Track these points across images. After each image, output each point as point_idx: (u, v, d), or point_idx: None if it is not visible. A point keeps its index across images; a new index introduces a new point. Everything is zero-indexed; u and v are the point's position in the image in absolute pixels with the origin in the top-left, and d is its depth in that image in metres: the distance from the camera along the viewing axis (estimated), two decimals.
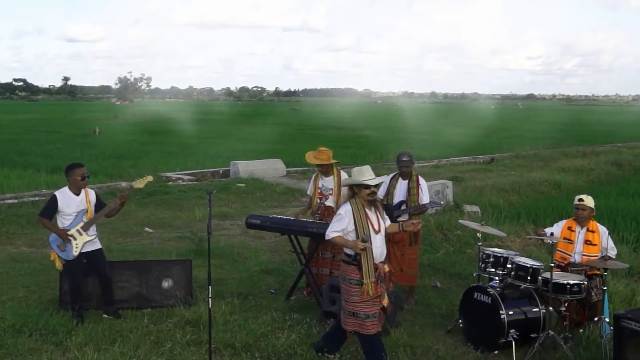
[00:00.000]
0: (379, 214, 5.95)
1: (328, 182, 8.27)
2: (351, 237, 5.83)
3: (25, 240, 11.31)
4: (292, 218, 8.25)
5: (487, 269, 7.06)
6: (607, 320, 6.77)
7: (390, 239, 8.10)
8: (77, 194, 7.19)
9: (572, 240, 7.23)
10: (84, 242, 7.16)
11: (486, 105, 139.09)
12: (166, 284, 7.82)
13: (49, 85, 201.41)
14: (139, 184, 7.41)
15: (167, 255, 9.89)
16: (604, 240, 7.20)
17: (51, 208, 7.15)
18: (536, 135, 43.20)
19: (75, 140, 34.37)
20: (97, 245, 7.36)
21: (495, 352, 6.57)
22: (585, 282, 6.80)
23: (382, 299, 5.72)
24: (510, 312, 6.56)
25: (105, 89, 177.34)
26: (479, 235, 7.57)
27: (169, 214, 13.83)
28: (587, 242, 7.19)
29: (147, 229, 12.25)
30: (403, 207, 8.01)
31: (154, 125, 49.62)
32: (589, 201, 7.22)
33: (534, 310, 6.71)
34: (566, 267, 7.24)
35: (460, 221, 8.75)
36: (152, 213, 13.80)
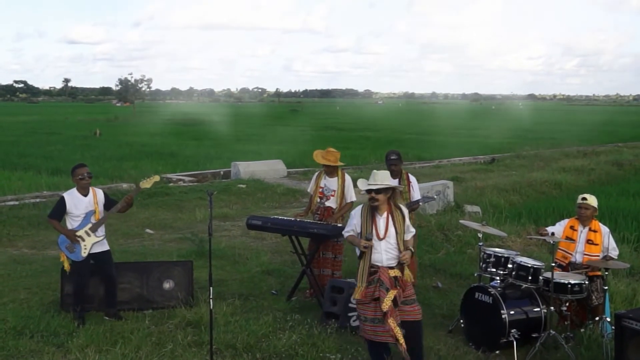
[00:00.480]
0: (392, 221, 5.79)
1: (331, 182, 8.26)
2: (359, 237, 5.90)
3: (26, 242, 11.32)
4: (293, 219, 8.25)
5: (488, 269, 7.06)
6: (609, 319, 6.76)
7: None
8: (85, 195, 7.21)
9: (574, 240, 7.22)
10: (93, 243, 7.17)
11: (488, 105, 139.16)
12: (167, 285, 7.83)
13: (50, 87, 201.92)
14: (146, 183, 7.42)
15: (168, 256, 9.89)
16: (606, 240, 7.20)
17: (60, 209, 7.17)
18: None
19: (76, 141, 34.39)
20: (106, 246, 7.36)
21: (497, 352, 6.57)
22: (586, 282, 6.80)
23: (381, 304, 5.67)
24: (512, 312, 6.56)
25: (105, 91, 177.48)
26: (479, 235, 7.57)
27: (170, 215, 13.83)
28: (589, 241, 7.18)
29: (148, 230, 12.26)
30: None
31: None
32: (592, 200, 7.22)
33: (535, 310, 6.71)
34: (567, 267, 7.24)
35: (461, 221, 8.75)
36: (153, 214, 13.80)
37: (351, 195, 8.30)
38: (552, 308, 6.66)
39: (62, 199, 7.19)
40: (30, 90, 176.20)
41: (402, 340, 5.62)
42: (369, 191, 5.78)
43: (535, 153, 28.92)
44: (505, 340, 6.48)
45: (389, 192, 5.79)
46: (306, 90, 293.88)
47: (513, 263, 6.89)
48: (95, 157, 26.13)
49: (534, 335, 6.60)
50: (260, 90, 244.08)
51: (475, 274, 7.47)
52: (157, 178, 7.49)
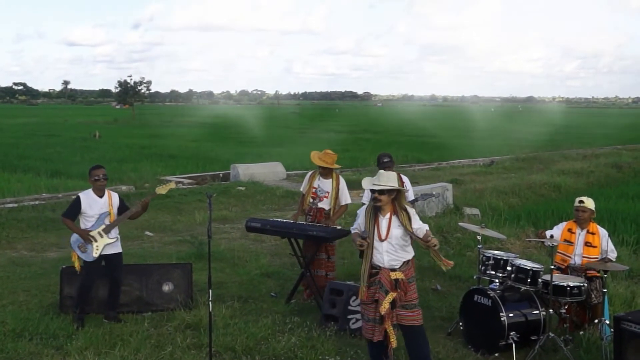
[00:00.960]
0: (396, 222, 5.73)
1: (325, 184, 8.27)
2: None
3: (25, 244, 11.32)
4: (292, 221, 8.25)
5: (487, 272, 7.07)
6: (608, 322, 6.77)
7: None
8: (101, 196, 7.22)
9: (572, 242, 7.24)
10: (105, 244, 7.18)
11: (486, 108, 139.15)
12: (166, 287, 7.83)
13: (49, 89, 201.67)
14: (162, 189, 7.42)
15: (167, 258, 9.89)
16: (604, 242, 7.21)
17: (74, 209, 7.18)
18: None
19: (75, 144, 34.37)
20: (118, 248, 7.36)
21: (496, 354, 6.57)
22: (585, 285, 6.81)
23: (379, 306, 5.67)
24: (511, 315, 6.56)
25: (105, 93, 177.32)
26: (479, 237, 7.57)
27: (169, 217, 13.83)
28: (587, 243, 7.20)
29: (147, 232, 12.26)
30: None
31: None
32: (589, 203, 7.24)
33: (534, 312, 6.72)
34: (566, 269, 7.25)
35: (460, 224, 8.76)
36: (152, 217, 13.79)
37: (346, 198, 8.32)
38: (551, 311, 6.67)
39: (78, 199, 7.20)
40: (29, 92, 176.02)
41: (392, 339, 5.69)
42: (372, 191, 5.77)
43: (535, 155, 28.93)
44: (504, 342, 6.48)
45: (393, 194, 5.74)
46: (305, 92, 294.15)
47: (512, 266, 6.89)
48: (94, 159, 26.06)
49: (533, 338, 6.60)
50: (259, 92, 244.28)
51: (475, 277, 7.47)
52: (172, 185, 7.53)
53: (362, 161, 25.21)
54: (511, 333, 6.46)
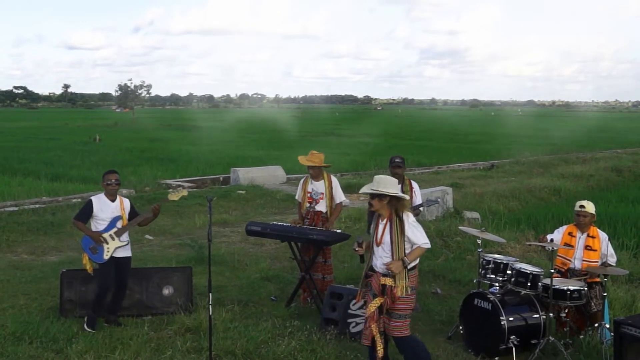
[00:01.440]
0: (389, 229, 5.64)
1: (318, 186, 8.29)
2: None
3: (25, 247, 11.31)
4: (292, 225, 8.26)
5: (487, 275, 7.07)
6: (608, 326, 6.77)
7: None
8: (113, 201, 7.25)
9: (572, 246, 7.23)
10: (116, 247, 7.20)
11: (487, 111, 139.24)
12: (166, 291, 7.83)
13: (50, 93, 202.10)
14: (174, 196, 7.45)
15: (167, 262, 9.89)
16: (604, 246, 7.21)
17: (86, 212, 7.20)
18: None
19: (76, 147, 34.39)
20: (128, 252, 7.37)
21: (496, 358, 6.57)
22: (585, 289, 6.81)
23: (366, 308, 5.69)
24: (511, 318, 6.56)
25: (105, 97, 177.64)
26: (479, 241, 7.58)
27: (169, 221, 13.83)
28: (587, 247, 7.20)
29: (147, 236, 12.26)
30: None
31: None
32: (590, 207, 7.24)
33: (534, 316, 6.71)
34: (566, 273, 7.25)
35: (460, 227, 8.76)
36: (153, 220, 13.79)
37: (340, 196, 8.33)
38: (551, 314, 6.67)
39: (90, 202, 7.22)
40: (30, 96, 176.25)
41: (379, 347, 5.61)
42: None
43: (535, 159, 28.95)
44: (504, 346, 6.48)
45: (386, 199, 5.63)
46: (306, 96, 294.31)
47: (512, 269, 6.90)
48: (94, 162, 26.15)
49: (533, 342, 6.60)
50: (260, 96, 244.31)
51: (475, 280, 7.48)
52: (184, 192, 7.57)
53: (362, 165, 25.23)
54: (511, 337, 6.46)
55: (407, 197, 5.70)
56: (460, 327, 7.06)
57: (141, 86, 79.37)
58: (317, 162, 8.22)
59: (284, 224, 8.43)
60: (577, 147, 36.94)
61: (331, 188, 8.27)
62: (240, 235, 12.15)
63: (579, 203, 7.34)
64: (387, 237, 5.63)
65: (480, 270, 7.21)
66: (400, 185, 8.11)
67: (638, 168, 27.22)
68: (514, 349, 6.42)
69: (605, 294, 6.93)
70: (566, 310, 6.88)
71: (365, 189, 5.74)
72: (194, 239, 10.99)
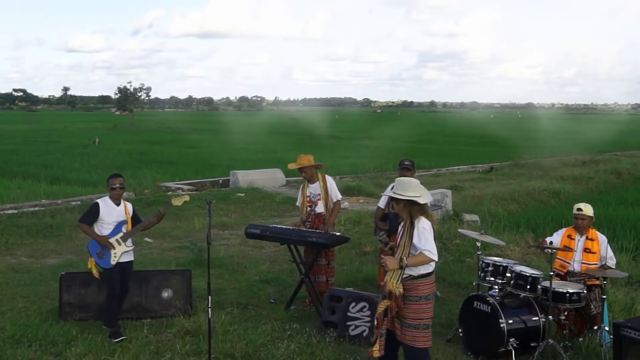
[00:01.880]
0: (403, 231, 5.52)
1: (314, 188, 8.34)
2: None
3: (24, 250, 11.31)
4: (291, 228, 8.26)
5: (487, 278, 7.07)
6: (607, 328, 6.77)
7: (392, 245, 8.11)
8: (118, 205, 7.20)
9: (571, 248, 7.24)
10: (122, 252, 7.16)
11: (486, 114, 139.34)
12: (166, 294, 7.82)
13: (49, 96, 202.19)
14: (177, 201, 7.41)
15: (166, 265, 9.89)
16: (603, 248, 7.21)
17: (92, 215, 7.14)
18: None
19: (75, 150, 34.40)
20: (131, 257, 7.33)
21: None
22: (585, 291, 6.81)
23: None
24: (510, 321, 6.56)
25: (105, 99, 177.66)
26: (478, 244, 7.58)
27: (169, 224, 13.81)
28: (586, 250, 7.20)
29: (146, 239, 12.25)
30: None
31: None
32: (587, 210, 7.24)
33: (534, 319, 6.71)
34: (565, 276, 7.25)
35: (459, 230, 8.76)
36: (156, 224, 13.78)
37: (336, 194, 8.36)
38: (550, 317, 6.67)
39: (96, 205, 7.17)
40: (29, 99, 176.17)
41: (375, 347, 5.43)
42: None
43: (534, 162, 28.96)
44: (503, 349, 6.48)
45: (401, 202, 5.48)
46: (305, 98, 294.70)
47: (511, 272, 6.90)
48: (94, 165, 26.16)
49: (532, 345, 6.60)
50: (259, 98, 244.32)
51: (474, 283, 7.47)
52: (187, 198, 7.54)
53: (361, 167, 25.23)
54: (510, 339, 6.46)
55: (422, 201, 5.41)
56: (460, 330, 7.05)
57: (141, 89, 79.53)
58: (305, 163, 8.25)
59: (284, 227, 8.44)
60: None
61: (326, 188, 8.31)
62: (239, 238, 12.15)
63: (576, 206, 7.35)
64: (399, 240, 5.57)
65: (479, 272, 7.21)
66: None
67: (637, 171, 27.22)
68: (513, 351, 6.42)
69: (604, 297, 6.93)
70: (566, 313, 6.88)
71: (386, 193, 5.71)
72: (194, 241, 10.98)
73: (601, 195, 20.29)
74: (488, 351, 6.60)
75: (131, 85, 78.53)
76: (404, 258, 5.36)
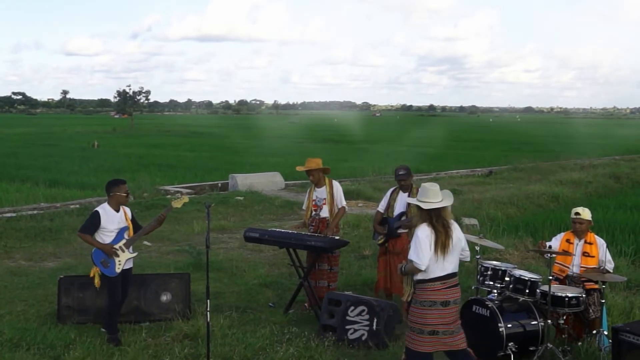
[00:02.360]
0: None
1: (320, 192, 8.33)
2: None
3: (23, 254, 11.29)
4: (290, 231, 8.26)
5: (486, 282, 7.07)
6: (606, 333, 6.76)
7: (390, 249, 8.14)
8: (117, 211, 7.07)
9: (570, 253, 7.24)
10: (127, 258, 7.08)
11: (485, 118, 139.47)
12: (164, 297, 7.81)
13: (48, 99, 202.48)
14: (177, 203, 7.37)
15: (165, 268, 9.88)
16: (602, 252, 7.21)
17: (93, 224, 6.97)
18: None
19: (74, 153, 34.39)
20: (131, 262, 7.26)
21: None
22: (584, 295, 6.80)
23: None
24: (509, 325, 6.56)
25: (104, 102, 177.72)
26: (477, 248, 7.57)
27: (168, 227, 13.80)
28: (585, 254, 7.20)
29: (145, 242, 12.24)
30: (403, 218, 8.06)
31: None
32: (585, 214, 7.24)
33: (533, 323, 6.71)
34: (564, 280, 7.25)
35: None
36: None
37: (341, 200, 8.34)
38: (549, 321, 6.67)
39: (97, 214, 6.98)
40: (28, 102, 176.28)
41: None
42: None
43: (533, 166, 28.97)
44: (502, 353, 6.47)
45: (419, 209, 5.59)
46: (304, 102, 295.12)
47: (510, 276, 6.90)
48: (93, 168, 26.15)
49: (531, 349, 6.59)
50: (258, 102, 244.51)
51: (473, 287, 7.47)
52: (186, 199, 7.51)
53: (360, 171, 25.23)
54: (509, 344, 6.45)
55: (424, 207, 5.50)
56: None
57: (140, 92, 79.59)
58: (313, 166, 8.25)
59: (283, 230, 8.44)
60: None
61: (332, 193, 8.29)
62: (238, 242, 12.14)
63: (574, 210, 7.35)
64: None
65: (478, 276, 7.21)
66: (407, 194, 8.12)
67: (636, 175, 27.25)
68: (512, 355, 6.41)
69: (603, 301, 6.92)
70: (564, 317, 6.87)
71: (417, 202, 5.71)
72: (192, 245, 10.98)
73: (600, 199, 20.30)
74: (487, 355, 6.57)
75: (130, 89, 78.73)
76: (403, 264, 5.60)
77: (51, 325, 7.33)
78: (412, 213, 7.81)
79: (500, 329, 6.48)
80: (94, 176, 22.98)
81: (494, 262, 7.38)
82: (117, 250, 7.00)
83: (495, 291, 6.98)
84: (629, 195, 20.68)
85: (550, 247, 7.15)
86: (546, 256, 7.03)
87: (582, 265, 7.17)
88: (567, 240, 7.32)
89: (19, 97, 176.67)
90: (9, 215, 13.75)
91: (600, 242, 7.30)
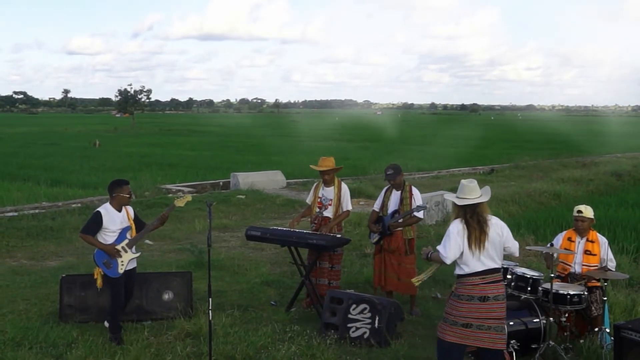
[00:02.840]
0: None
1: (328, 192, 8.32)
2: None
3: (25, 253, 11.31)
4: (291, 230, 8.26)
5: None
6: (608, 330, 6.76)
7: (385, 247, 8.17)
8: (119, 211, 7.03)
9: (572, 251, 7.24)
10: (130, 259, 7.05)
11: (486, 116, 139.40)
12: (166, 296, 7.82)
13: (49, 98, 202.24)
14: (180, 202, 7.35)
15: (167, 267, 9.89)
16: (603, 250, 7.21)
17: (95, 225, 6.93)
18: None
19: (76, 152, 34.42)
20: (135, 262, 7.23)
21: None
22: (586, 293, 6.80)
23: None
24: (511, 323, 6.54)
25: (105, 102, 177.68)
26: None
27: (169, 226, 13.80)
28: (586, 252, 7.20)
29: (147, 241, 12.24)
30: (396, 215, 8.09)
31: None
32: (588, 212, 7.24)
33: (535, 320, 6.71)
34: (566, 278, 7.25)
35: None
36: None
37: (347, 204, 8.35)
38: (551, 319, 6.66)
39: (99, 214, 6.94)
40: (29, 101, 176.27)
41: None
42: None
43: (534, 164, 28.95)
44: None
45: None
46: (305, 100, 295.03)
47: (512, 274, 6.90)
48: (94, 168, 26.17)
49: (533, 346, 6.59)
50: (259, 101, 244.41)
51: None
52: (189, 197, 7.50)
53: (361, 169, 25.22)
54: (511, 341, 6.44)
55: (459, 202, 5.57)
56: None
57: (141, 91, 79.44)
58: (328, 166, 8.25)
59: (284, 229, 8.45)
60: None
61: (340, 195, 8.29)
62: (240, 240, 12.15)
63: (577, 208, 7.34)
64: None
65: None
66: (400, 192, 8.15)
67: (638, 172, 27.22)
68: (514, 353, 6.41)
69: (605, 299, 6.92)
70: (566, 315, 6.87)
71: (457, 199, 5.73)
72: (194, 243, 10.99)
73: (601, 197, 20.29)
74: None
75: (131, 88, 78.54)
76: (430, 250, 5.76)
77: (53, 324, 7.33)
78: (403, 212, 8.06)
79: None
80: (96, 175, 23.00)
81: None
82: (120, 250, 6.98)
83: None
84: (631, 193, 20.65)
85: (551, 244, 7.14)
86: (545, 251, 7.03)
87: (584, 264, 7.16)
88: (569, 239, 7.31)
89: (21, 96, 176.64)
90: (10, 214, 13.77)
91: (602, 241, 7.30)
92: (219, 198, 16.87)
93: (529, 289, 6.75)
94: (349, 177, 22.21)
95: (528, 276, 6.78)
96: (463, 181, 5.73)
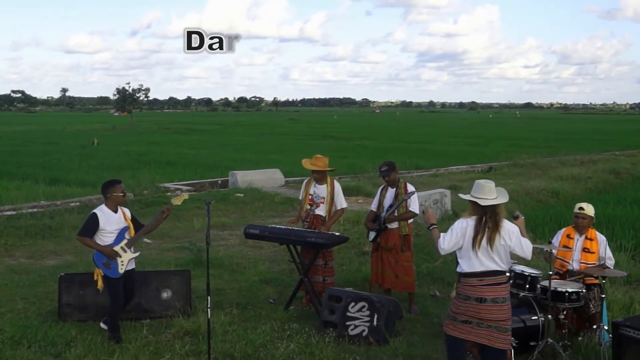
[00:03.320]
0: None
1: (321, 190, 8.32)
2: None
3: (23, 252, 11.30)
4: (290, 228, 8.26)
5: None
6: (606, 328, 6.77)
7: (382, 245, 8.17)
8: (115, 211, 7.01)
9: (570, 248, 7.24)
10: (129, 259, 7.03)
11: (485, 114, 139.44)
12: (165, 294, 7.82)
13: (48, 97, 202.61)
14: (177, 200, 7.34)
15: (165, 265, 9.89)
16: (602, 248, 7.21)
17: (92, 227, 6.91)
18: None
19: (74, 151, 34.38)
20: (134, 263, 7.22)
21: None
22: (584, 290, 6.81)
23: None
24: None
25: (103, 100, 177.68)
26: None
27: (168, 224, 13.77)
28: (585, 249, 7.21)
29: (145, 239, 12.22)
30: (391, 209, 8.09)
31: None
32: (589, 210, 7.24)
33: (533, 318, 6.72)
34: (564, 275, 7.26)
35: None
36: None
37: (341, 202, 8.35)
38: (549, 316, 6.67)
39: (94, 216, 6.92)
40: (28, 100, 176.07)
41: None
42: None
43: (533, 161, 28.96)
44: None
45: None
46: (304, 99, 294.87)
47: (511, 271, 6.90)
48: (93, 166, 26.14)
49: (532, 344, 6.60)
50: (258, 99, 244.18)
51: None
52: (186, 196, 7.50)
53: (360, 167, 25.22)
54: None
55: (485, 203, 5.52)
56: None
57: (139, 90, 79.40)
58: (321, 167, 8.25)
59: (283, 227, 8.45)
60: None
61: (333, 194, 8.29)
62: (238, 238, 12.15)
63: (578, 205, 7.35)
64: None
65: None
66: (395, 189, 8.16)
67: (636, 170, 27.26)
68: (512, 351, 6.41)
69: (603, 296, 6.93)
70: (565, 312, 6.88)
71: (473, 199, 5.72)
72: (193, 242, 10.97)
73: (600, 194, 20.32)
74: None
75: (130, 86, 78.48)
76: (433, 225, 6.12)
77: (52, 322, 7.33)
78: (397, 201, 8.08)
79: None
80: (94, 174, 22.96)
81: None
82: (119, 251, 6.97)
83: None
84: (629, 191, 20.67)
85: (550, 242, 7.15)
86: (545, 249, 7.04)
87: (582, 261, 7.17)
88: (568, 236, 7.33)
89: (19, 95, 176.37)
90: (9, 213, 13.74)
91: (601, 239, 7.30)
92: (218, 196, 16.85)
93: (527, 286, 6.75)
94: (347, 175, 22.22)
95: (526, 274, 6.79)
96: (480, 181, 5.68)
